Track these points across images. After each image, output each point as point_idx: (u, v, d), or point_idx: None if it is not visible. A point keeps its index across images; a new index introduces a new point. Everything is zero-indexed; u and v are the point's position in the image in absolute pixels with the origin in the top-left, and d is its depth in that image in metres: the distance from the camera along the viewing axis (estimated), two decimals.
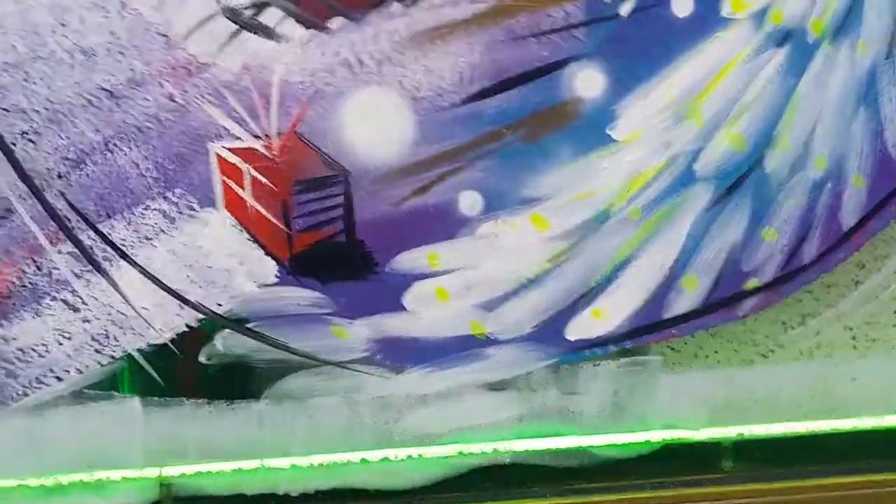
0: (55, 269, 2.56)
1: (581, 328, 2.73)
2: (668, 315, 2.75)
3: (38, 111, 2.50)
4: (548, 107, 2.62)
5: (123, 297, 2.58)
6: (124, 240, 2.56)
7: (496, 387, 2.75)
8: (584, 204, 2.68)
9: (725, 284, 2.75)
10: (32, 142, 2.51)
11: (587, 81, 2.62)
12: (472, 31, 2.58)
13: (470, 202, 2.65)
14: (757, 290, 2.77)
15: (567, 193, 2.67)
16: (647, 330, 2.75)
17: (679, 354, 2.84)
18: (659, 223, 2.71)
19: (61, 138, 2.52)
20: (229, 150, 2.56)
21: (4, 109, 2.49)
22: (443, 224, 2.65)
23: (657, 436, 2.80)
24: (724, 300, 2.76)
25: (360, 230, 2.63)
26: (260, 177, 2.59)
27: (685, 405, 2.82)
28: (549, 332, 2.72)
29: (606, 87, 2.63)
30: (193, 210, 2.58)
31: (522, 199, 2.66)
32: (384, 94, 2.58)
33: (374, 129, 2.59)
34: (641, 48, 2.63)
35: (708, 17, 2.64)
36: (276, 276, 2.63)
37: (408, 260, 2.66)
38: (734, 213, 2.73)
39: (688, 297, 2.75)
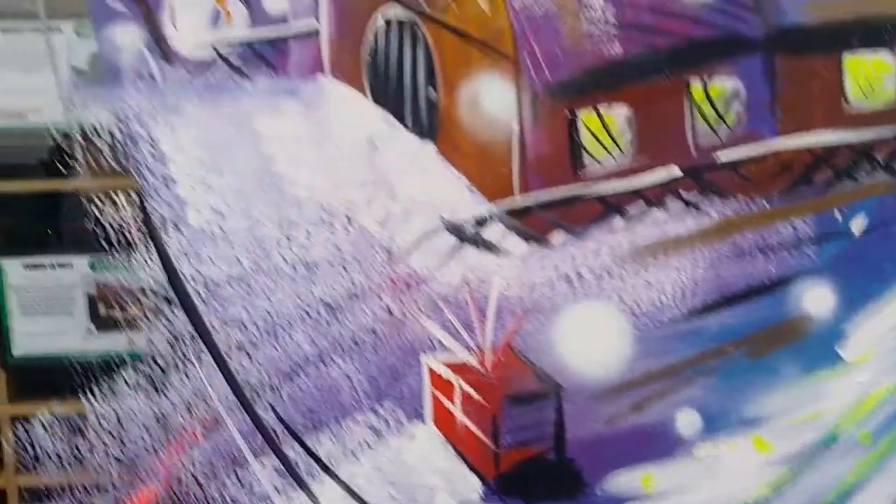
0: (256, 483, 2.49)
1: None
2: None
3: (256, 323, 2.46)
4: (774, 324, 2.51)
5: None
6: (329, 454, 2.49)
7: None
8: (810, 426, 2.53)
9: None
10: (248, 354, 2.47)
11: (816, 299, 2.50)
12: (695, 247, 2.50)
13: (688, 421, 2.52)
14: None
15: (792, 414, 2.53)
16: None
17: None
18: (890, 449, 2.55)
19: (276, 350, 2.47)
20: (442, 363, 2.50)
21: (224, 322, 2.47)
22: (658, 444, 2.51)
23: None
24: None
25: (570, 448, 2.51)
26: (471, 391, 2.50)
27: None
28: None
29: (836, 305, 2.51)
30: (401, 424, 2.50)
31: (744, 420, 2.52)
32: (602, 308, 2.49)
33: (591, 343, 2.50)
34: (874, 266, 2.51)
35: None
36: (480, 495, 2.51)
37: (621, 481, 2.53)
38: None
39: None
